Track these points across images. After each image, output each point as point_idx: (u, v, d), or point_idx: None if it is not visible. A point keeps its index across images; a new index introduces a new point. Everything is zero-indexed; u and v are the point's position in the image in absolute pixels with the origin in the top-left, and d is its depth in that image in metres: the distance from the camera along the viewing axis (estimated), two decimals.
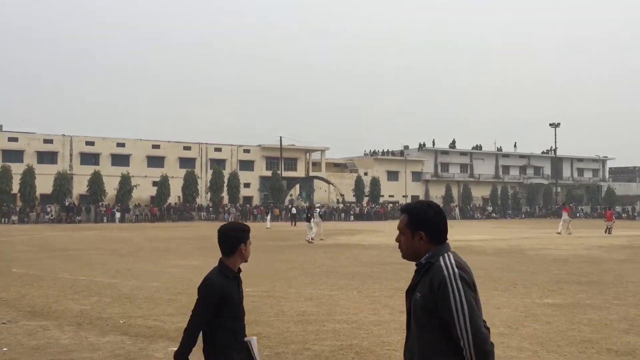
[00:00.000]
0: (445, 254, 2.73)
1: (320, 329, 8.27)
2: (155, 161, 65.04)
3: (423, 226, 2.78)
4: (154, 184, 60.98)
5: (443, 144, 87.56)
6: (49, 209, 54.16)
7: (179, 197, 61.84)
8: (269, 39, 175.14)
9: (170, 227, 45.76)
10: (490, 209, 79.78)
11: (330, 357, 6.85)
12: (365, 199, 72.44)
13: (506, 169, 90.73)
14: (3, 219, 50.54)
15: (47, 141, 60.62)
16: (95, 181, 56.51)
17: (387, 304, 10.43)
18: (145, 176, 62.33)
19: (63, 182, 54.86)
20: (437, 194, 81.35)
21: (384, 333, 8.03)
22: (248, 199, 67.81)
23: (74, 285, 12.86)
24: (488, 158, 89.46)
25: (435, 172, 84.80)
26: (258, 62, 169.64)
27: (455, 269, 2.66)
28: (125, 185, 57.99)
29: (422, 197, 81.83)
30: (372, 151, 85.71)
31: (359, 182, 72.81)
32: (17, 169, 53.44)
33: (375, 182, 73.69)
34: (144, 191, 61.08)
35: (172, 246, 24.67)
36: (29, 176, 52.90)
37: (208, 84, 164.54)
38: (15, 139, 59.17)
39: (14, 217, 51.12)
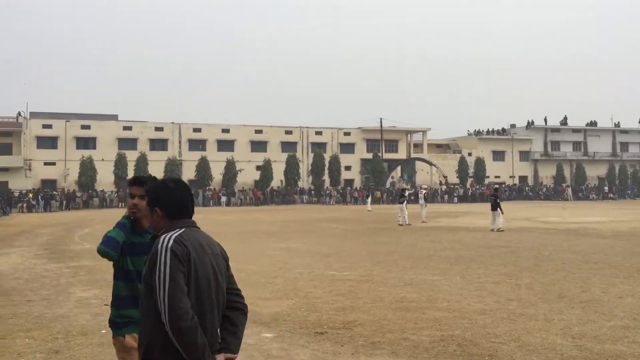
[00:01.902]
0: (175, 230, 2.68)
1: (419, 317, 7.77)
2: (258, 146, 66.51)
3: (158, 203, 2.79)
4: (258, 168, 62.42)
5: (553, 121, 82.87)
6: None
7: (281, 180, 62.92)
8: (370, 25, 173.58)
9: (273, 210, 46.63)
10: (606, 189, 74.56)
11: (429, 348, 6.35)
12: (470, 180, 70.13)
13: (625, 145, 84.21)
14: (120, 204, 53.82)
15: (158, 129, 63.68)
16: (203, 166, 58.71)
17: (493, 290, 9.71)
18: (249, 161, 63.92)
19: (173, 167, 57.43)
20: (547, 174, 77.17)
21: (490, 323, 7.40)
22: (349, 182, 67.77)
23: None
24: (604, 135, 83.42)
25: (545, 151, 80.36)
26: (358, 45, 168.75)
27: (169, 243, 2.59)
28: (231, 170, 59.80)
29: (530, 178, 78.18)
30: (476, 131, 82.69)
31: (462, 163, 70.57)
32: (131, 156, 56.61)
33: (479, 163, 71.07)
34: (248, 175, 62.70)
35: (274, 229, 24.94)
36: (142, 162, 55.87)
37: (312, 62, 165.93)
38: (129, 128, 62.66)
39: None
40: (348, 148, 70.58)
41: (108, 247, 3.76)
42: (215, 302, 2.71)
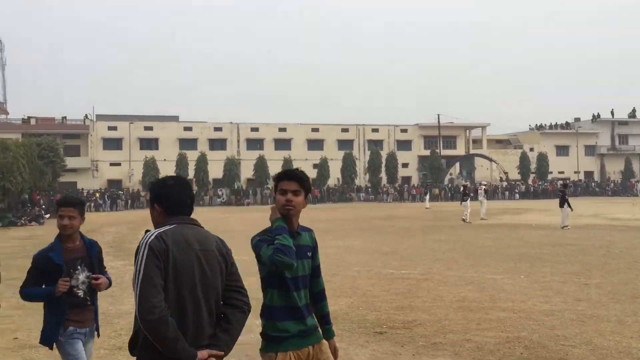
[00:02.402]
0: (166, 226, 2.74)
1: (482, 318, 7.51)
2: (315, 144, 66.73)
3: (157, 200, 2.86)
4: (314, 166, 62.66)
5: (621, 114, 79.36)
6: (220, 193, 58.02)
7: (338, 178, 62.91)
8: (424, 17, 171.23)
9: (330, 208, 46.65)
10: None
11: (494, 350, 6.11)
12: (532, 176, 68.08)
13: None
14: None
15: (217, 129, 64.85)
16: (260, 165, 59.40)
17: (560, 290, 9.31)
18: (306, 159, 64.20)
19: (232, 167, 58.36)
20: (614, 169, 74.03)
21: (558, 325, 7.07)
22: (406, 179, 67.06)
23: (239, 264, 13.26)
24: None
25: (612, 145, 77.12)
26: (413, 42, 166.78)
27: (150, 238, 2.65)
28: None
29: (596, 173, 75.23)
30: (538, 125, 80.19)
31: (524, 159, 68.59)
32: (191, 156, 57.88)
33: (542, 158, 68.87)
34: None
35: (331, 227, 24.89)
36: (202, 162, 57.05)
37: (358, 68, 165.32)
38: (190, 129, 64.09)
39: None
40: (405, 145, 69.85)
41: (291, 258, 3.09)
42: (201, 297, 2.71)
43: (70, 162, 51.84)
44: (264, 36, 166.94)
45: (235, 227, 26.03)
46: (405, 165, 67.51)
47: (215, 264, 2.79)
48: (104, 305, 8.80)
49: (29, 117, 61.10)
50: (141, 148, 61.31)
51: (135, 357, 2.72)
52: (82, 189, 54.48)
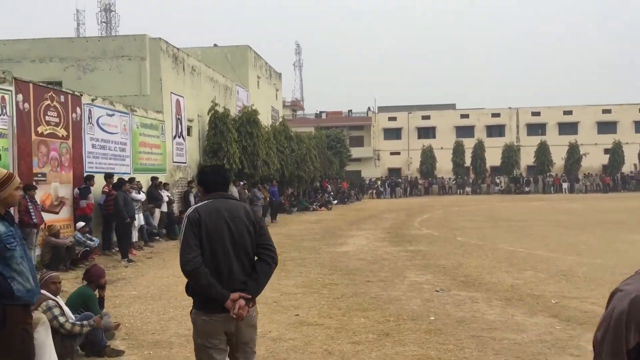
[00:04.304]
0: (204, 202, 3.68)
1: None
2: (606, 127, 60.07)
3: (199, 183, 3.87)
4: (606, 151, 56.46)
5: None
6: (497, 180, 56.17)
7: (635, 164, 55.70)
8: None
9: (625, 197, 41.50)
10: None
11: None
12: None
13: None
14: (458, 190, 54.97)
15: (495, 115, 62.81)
16: (542, 151, 55.67)
17: None
18: (596, 144, 58.23)
19: (510, 153, 55.93)
20: None
21: None
22: None
23: (510, 257, 12.62)
24: None
25: None
26: None
27: (189, 212, 3.61)
28: (574, 155, 55.44)
29: None
30: None
31: None
32: (468, 144, 57.12)
33: None
34: (594, 160, 57.17)
35: (624, 219, 22.09)
36: (479, 150, 55.89)
37: None
38: (466, 116, 63.34)
39: (468, 189, 54.99)
40: None
41: None
42: (231, 252, 3.55)
43: (355, 152, 55.57)
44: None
45: (512, 216, 24.79)
46: None
47: (242, 227, 3.60)
48: (376, 290, 9.11)
49: (321, 112, 67.47)
50: (419, 137, 62.66)
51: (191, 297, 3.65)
52: (364, 178, 58.03)
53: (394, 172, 62.17)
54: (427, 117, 63.44)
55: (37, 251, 11.43)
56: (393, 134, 64.04)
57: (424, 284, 9.57)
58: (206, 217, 3.53)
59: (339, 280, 10.08)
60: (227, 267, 3.52)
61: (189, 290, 3.62)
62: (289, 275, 10.63)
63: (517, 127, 62.17)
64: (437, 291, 8.94)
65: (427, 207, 32.26)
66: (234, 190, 18.90)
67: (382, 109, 65.88)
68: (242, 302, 3.46)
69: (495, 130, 62.19)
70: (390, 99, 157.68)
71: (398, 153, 63.41)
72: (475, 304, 8.08)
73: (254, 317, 3.66)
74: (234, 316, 3.45)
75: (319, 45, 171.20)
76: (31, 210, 10.90)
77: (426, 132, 62.99)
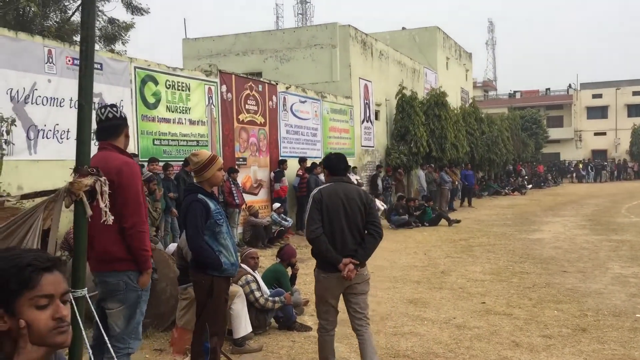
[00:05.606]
0: (328, 184, 4.57)
1: None
2: None
3: (325, 165, 4.72)
4: None
5: None
6: None
7: None
8: None
9: None
10: None
11: None
12: None
13: None
14: None
15: None
16: None
17: None
18: None
19: None
20: None
21: None
22: None
23: None
24: None
25: None
26: None
27: (314, 192, 4.51)
28: None
29: None
30: None
31: None
32: None
33: None
34: None
35: None
36: None
37: None
38: None
39: None
40: None
41: None
42: (345, 225, 4.37)
43: (553, 133, 51.84)
44: None
45: None
46: None
47: (355, 207, 4.40)
48: (573, 281, 8.46)
49: (515, 92, 63.90)
50: (629, 115, 56.44)
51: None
52: (564, 160, 53.92)
53: (599, 154, 56.86)
54: (638, 93, 56.85)
55: (239, 229, 12.48)
56: (598, 112, 58.51)
57: (630, 277, 8.64)
58: (326, 197, 4.40)
59: (530, 269, 9.52)
60: (341, 237, 4.36)
61: (313, 253, 4.51)
62: (477, 262, 10.30)
63: None
64: None
65: (637, 193, 29.08)
66: (351, 177, 19.45)
67: (584, 86, 60.42)
68: (351, 266, 4.29)
69: None
70: (595, 74, 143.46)
71: (604, 133, 57.82)
72: None
73: (366, 274, 4.54)
74: (344, 276, 4.27)
75: (513, 22, 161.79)
76: (234, 192, 11.92)
77: (637, 110, 56.54)
